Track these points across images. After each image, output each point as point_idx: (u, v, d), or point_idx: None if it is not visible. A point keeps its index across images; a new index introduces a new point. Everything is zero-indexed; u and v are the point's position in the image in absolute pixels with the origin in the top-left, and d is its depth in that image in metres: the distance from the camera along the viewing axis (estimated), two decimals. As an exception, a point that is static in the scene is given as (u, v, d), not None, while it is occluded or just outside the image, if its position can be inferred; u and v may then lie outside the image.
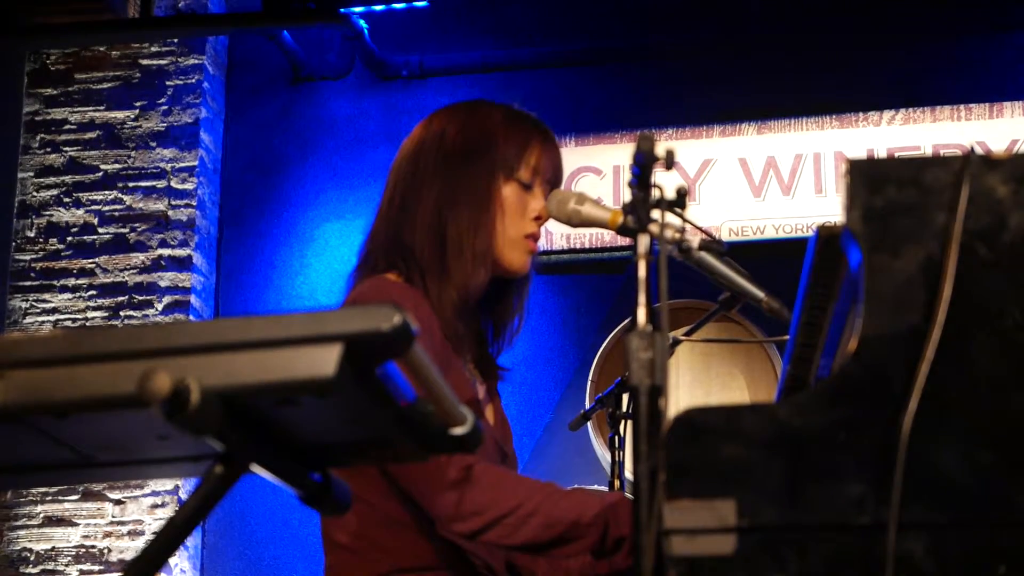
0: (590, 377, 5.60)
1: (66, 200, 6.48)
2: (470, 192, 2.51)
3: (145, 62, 6.61)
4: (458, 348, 2.49)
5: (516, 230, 2.54)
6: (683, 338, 3.70)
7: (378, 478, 2.39)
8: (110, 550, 6.00)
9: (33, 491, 6.08)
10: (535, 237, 2.58)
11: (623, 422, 3.74)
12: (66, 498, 6.09)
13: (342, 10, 6.14)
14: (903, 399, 1.70)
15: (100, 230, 6.42)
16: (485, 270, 2.52)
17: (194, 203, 6.37)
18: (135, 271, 6.35)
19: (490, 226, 2.51)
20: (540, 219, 2.56)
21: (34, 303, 6.37)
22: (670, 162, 1.93)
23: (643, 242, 1.94)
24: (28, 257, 6.43)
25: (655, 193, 1.96)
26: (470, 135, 2.55)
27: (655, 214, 1.96)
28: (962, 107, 5.89)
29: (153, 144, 6.49)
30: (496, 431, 2.55)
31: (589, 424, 5.13)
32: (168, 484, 6.04)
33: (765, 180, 5.98)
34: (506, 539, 2.31)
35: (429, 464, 2.26)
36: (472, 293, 2.52)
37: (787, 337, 2.44)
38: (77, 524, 6.06)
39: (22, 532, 6.07)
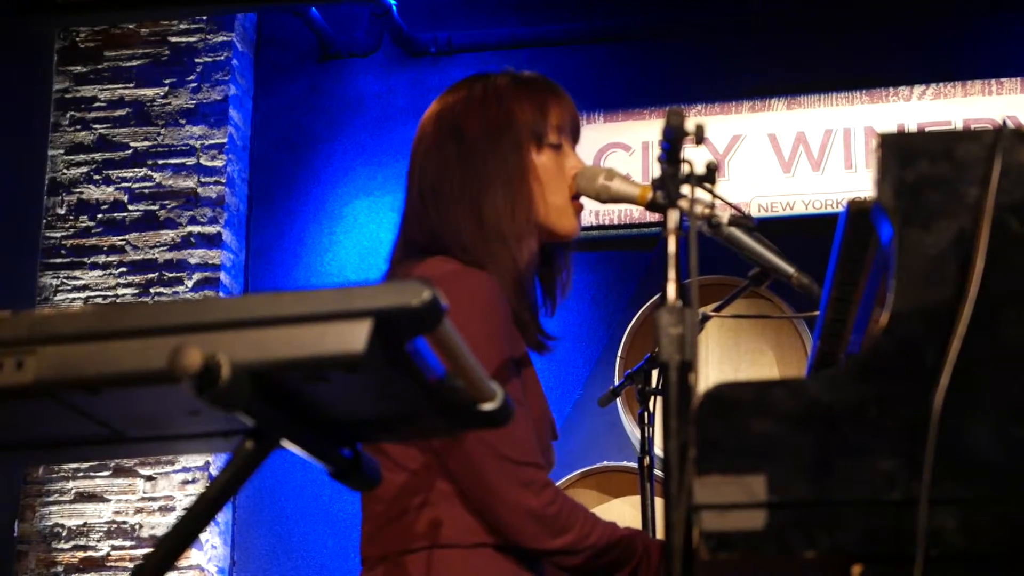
0: (619, 353, 5.59)
1: (96, 177, 6.50)
2: (500, 173, 2.46)
3: (174, 39, 6.62)
4: (522, 330, 2.48)
5: (561, 197, 2.51)
6: (713, 314, 3.68)
7: (420, 450, 2.38)
8: (141, 526, 6.03)
9: (64, 467, 6.11)
10: (579, 196, 2.54)
11: (653, 398, 3.72)
12: (97, 474, 6.12)
13: (370, -14, 6.15)
14: (934, 374, 1.70)
15: (130, 207, 6.44)
16: (529, 247, 2.48)
17: (223, 180, 6.39)
18: (165, 248, 6.37)
19: (527, 202, 2.47)
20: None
21: (65, 280, 6.40)
22: (700, 137, 1.93)
23: (673, 218, 1.94)
24: (59, 234, 6.45)
25: (685, 168, 1.96)
26: (486, 119, 2.50)
27: (685, 190, 1.95)
28: (993, 81, 5.85)
29: (182, 121, 6.50)
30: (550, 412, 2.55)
31: (618, 400, 5.13)
32: (199, 460, 6.06)
33: (795, 156, 5.96)
34: (568, 560, 2.36)
35: (514, 490, 2.31)
36: (524, 272, 2.48)
37: (817, 313, 2.43)
38: (108, 500, 6.09)
39: (54, 508, 6.11)
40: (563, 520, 2.33)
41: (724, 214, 2.22)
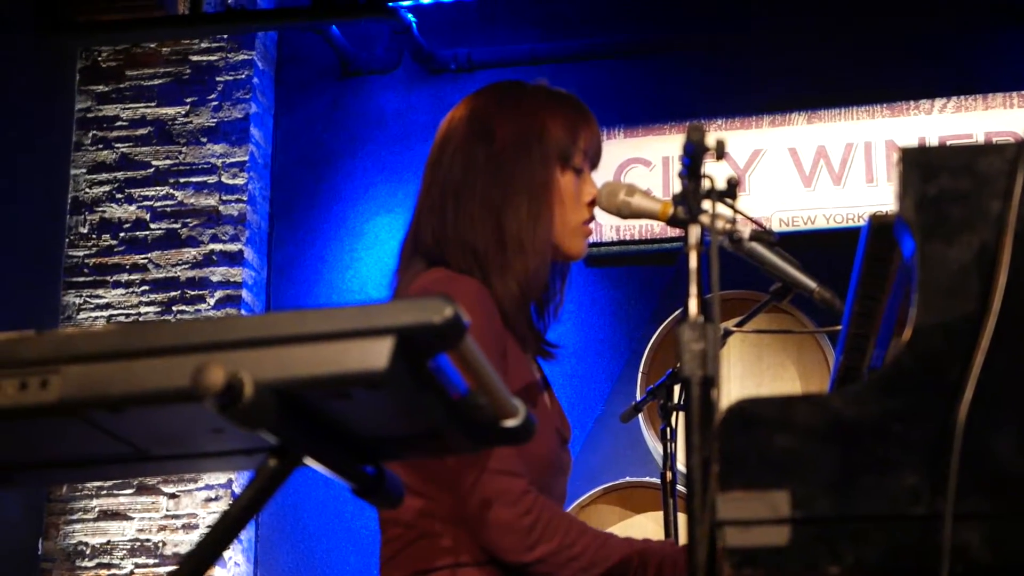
0: (641, 369, 5.59)
1: (118, 196, 6.53)
2: (526, 185, 2.47)
3: (195, 58, 6.64)
4: (521, 340, 2.48)
5: (575, 218, 2.53)
6: (735, 329, 3.68)
7: (436, 471, 2.38)
8: (165, 543, 6.04)
9: (88, 485, 6.13)
10: (591, 221, 2.57)
11: (675, 413, 3.73)
12: (121, 492, 6.13)
13: (390, 4, 6.16)
14: (958, 389, 1.69)
15: (152, 226, 6.46)
16: (544, 261, 2.49)
17: (245, 198, 6.40)
18: (187, 266, 6.38)
19: (549, 218, 2.48)
20: (594, 203, 2.53)
21: (88, 299, 6.42)
22: (720, 152, 1.93)
23: (694, 233, 1.94)
24: (81, 253, 6.48)
25: (705, 184, 1.96)
26: (520, 127, 2.51)
27: (706, 205, 1.96)
28: (1015, 94, 5.83)
29: (204, 140, 6.53)
30: (555, 418, 2.54)
31: (641, 416, 5.13)
32: (222, 478, 6.07)
33: (816, 170, 5.95)
34: (551, 572, 2.31)
35: (494, 500, 2.28)
36: (534, 286, 2.49)
37: (839, 327, 2.43)
38: (132, 518, 6.10)
39: (78, 526, 6.12)
40: (539, 531, 2.29)
41: (745, 229, 2.22)
